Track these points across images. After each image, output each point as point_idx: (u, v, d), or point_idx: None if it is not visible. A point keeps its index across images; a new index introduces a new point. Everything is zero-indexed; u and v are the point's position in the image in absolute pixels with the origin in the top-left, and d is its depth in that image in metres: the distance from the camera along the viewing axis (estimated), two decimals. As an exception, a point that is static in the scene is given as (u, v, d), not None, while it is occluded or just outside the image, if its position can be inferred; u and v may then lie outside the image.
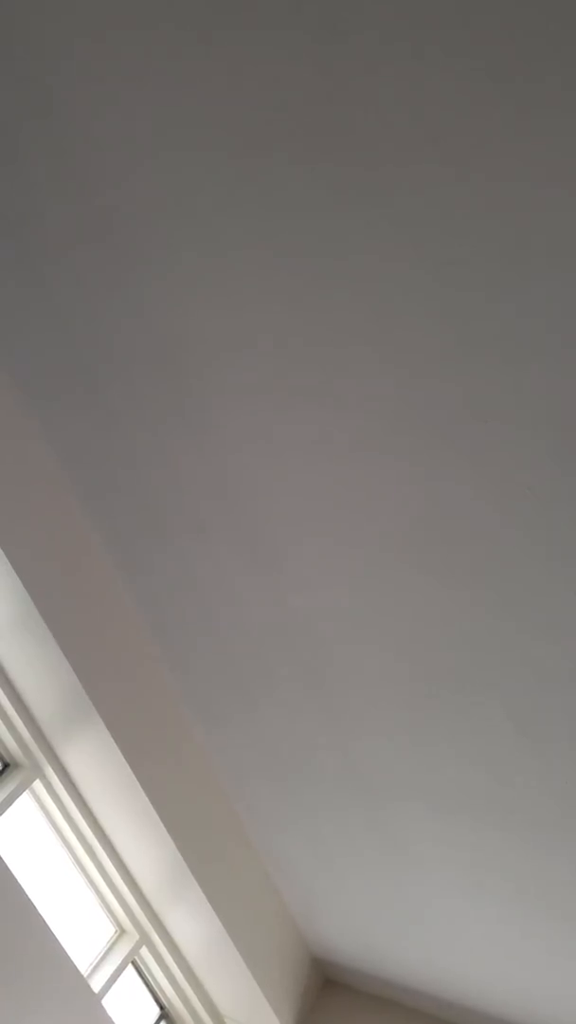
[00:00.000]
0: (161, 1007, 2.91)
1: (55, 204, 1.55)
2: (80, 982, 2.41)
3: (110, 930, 2.79)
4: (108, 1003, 2.56)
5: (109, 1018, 2.48)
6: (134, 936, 2.78)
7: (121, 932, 2.80)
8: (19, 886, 2.25)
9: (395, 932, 2.58)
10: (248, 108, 1.23)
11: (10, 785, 2.46)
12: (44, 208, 1.58)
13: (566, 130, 1.00)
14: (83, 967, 2.61)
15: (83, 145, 1.44)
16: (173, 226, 1.44)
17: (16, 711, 2.43)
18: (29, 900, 2.27)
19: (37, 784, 2.55)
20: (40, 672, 2.27)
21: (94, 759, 2.39)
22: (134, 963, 2.84)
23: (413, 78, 1.07)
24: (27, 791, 2.53)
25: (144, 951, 2.80)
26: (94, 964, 2.68)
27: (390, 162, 1.15)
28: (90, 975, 2.64)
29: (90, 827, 2.61)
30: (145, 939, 2.79)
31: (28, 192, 1.57)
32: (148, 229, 1.48)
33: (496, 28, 0.98)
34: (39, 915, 2.29)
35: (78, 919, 2.69)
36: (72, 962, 2.38)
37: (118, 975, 2.66)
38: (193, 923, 2.68)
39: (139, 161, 1.40)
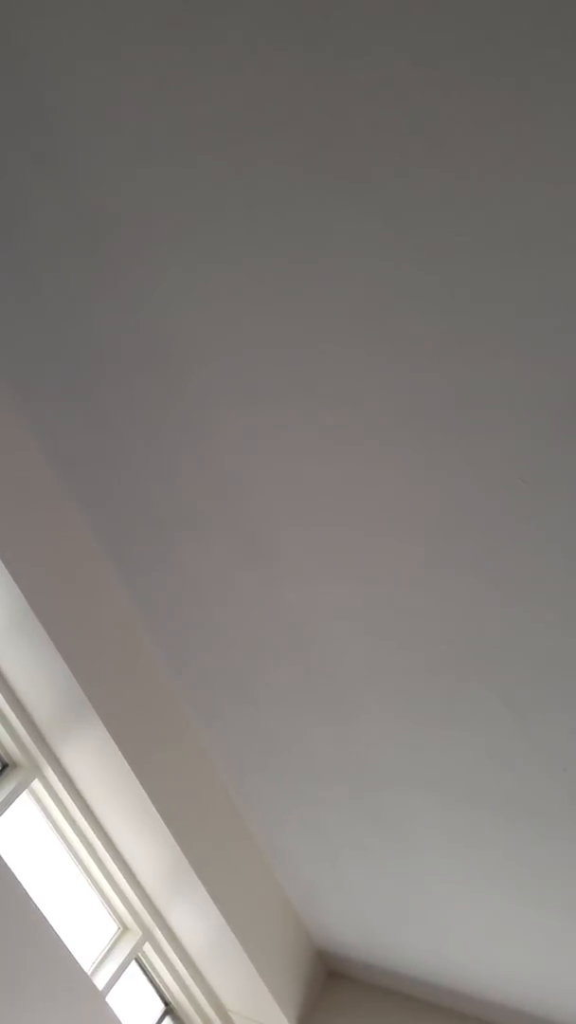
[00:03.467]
0: (166, 1003, 2.93)
1: (47, 211, 1.55)
2: (84, 980, 2.42)
3: (113, 927, 2.80)
4: (112, 1000, 2.57)
5: (114, 1015, 2.49)
6: (137, 933, 2.79)
7: (124, 929, 2.81)
8: (21, 886, 2.26)
9: (398, 923, 2.59)
10: (236, 108, 1.23)
11: (9, 785, 2.46)
12: (36, 215, 1.57)
13: (556, 123, 1.00)
14: (87, 965, 2.62)
15: (75, 151, 1.43)
16: (165, 229, 1.44)
17: (14, 711, 2.43)
18: (31, 900, 2.27)
19: (36, 784, 2.55)
20: (37, 672, 2.27)
21: (93, 757, 2.39)
22: (137, 960, 2.85)
23: (401, 70, 1.07)
24: (26, 791, 2.53)
25: (147, 947, 2.81)
26: (97, 962, 2.69)
27: (378, 156, 1.15)
28: (94, 973, 2.64)
29: (90, 825, 2.61)
30: (148, 936, 2.80)
31: (20, 199, 1.56)
32: (140, 232, 1.47)
33: (488, 21, 0.98)
34: (41, 914, 2.29)
35: (80, 917, 2.70)
36: (76, 960, 2.38)
37: (122, 972, 2.67)
38: (195, 919, 2.68)
39: (131, 165, 1.40)
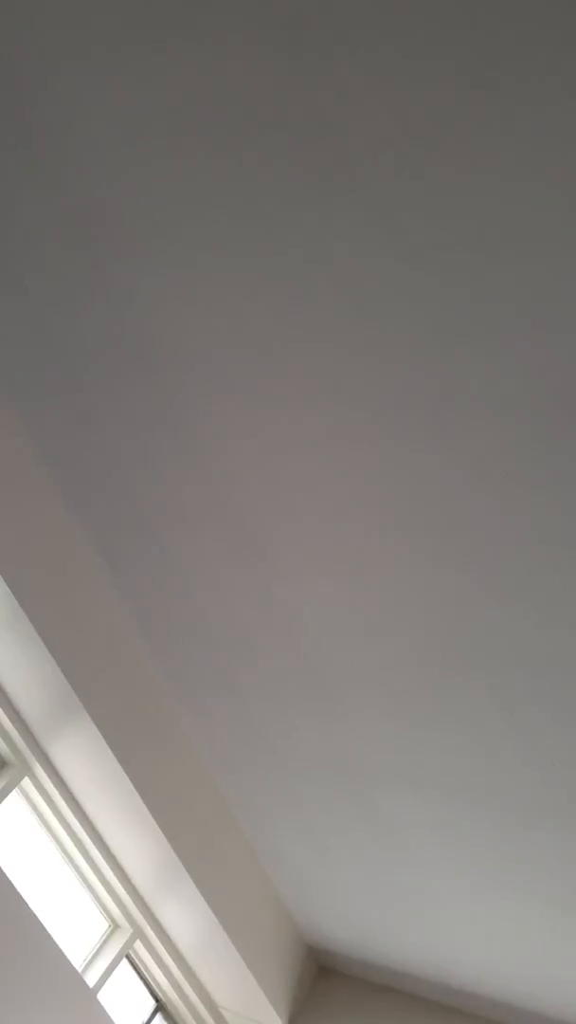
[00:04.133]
0: (157, 1000, 2.93)
1: (34, 204, 1.54)
2: (75, 977, 2.42)
3: (103, 925, 2.80)
4: (104, 997, 2.57)
5: (105, 1012, 2.49)
6: (127, 930, 2.79)
7: (114, 927, 2.81)
8: (11, 884, 2.25)
9: (389, 918, 2.59)
10: (228, 103, 1.22)
11: (-1, 783, 2.46)
12: (22, 209, 1.56)
13: (552, 119, 1.00)
14: (78, 962, 2.62)
15: (62, 146, 1.43)
16: (154, 225, 1.44)
17: (3, 710, 2.43)
18: (21, 898, 2.27)
19: (26, 782, 2.54)
20: (26, 670, 2.27)
21: (83, 755, 2.39)
22: (128, 957, 2.85)
23: (394, 65, 1.07)
24: (16, 789, 2.52)
25: (138, 945, 2.81)
26: (88, 959, 2.69)
27: (371, 153, 1.15)
28: (85, 970, 2.64)
29: (80, 823, 2.61)
30: (139, 933, 2.80)
31: (6, 194, 1.55)
32: (129, 228, 1.47)
33: (470, 18, 0.98)
34: (32, 912, 2.29)
35: (71, 915, 2.70)
36: (66, 958, 2.38)
37: (113, 969, 2.67)
38: (186, 915, 2.69)
39: (118, 161, 1.39)
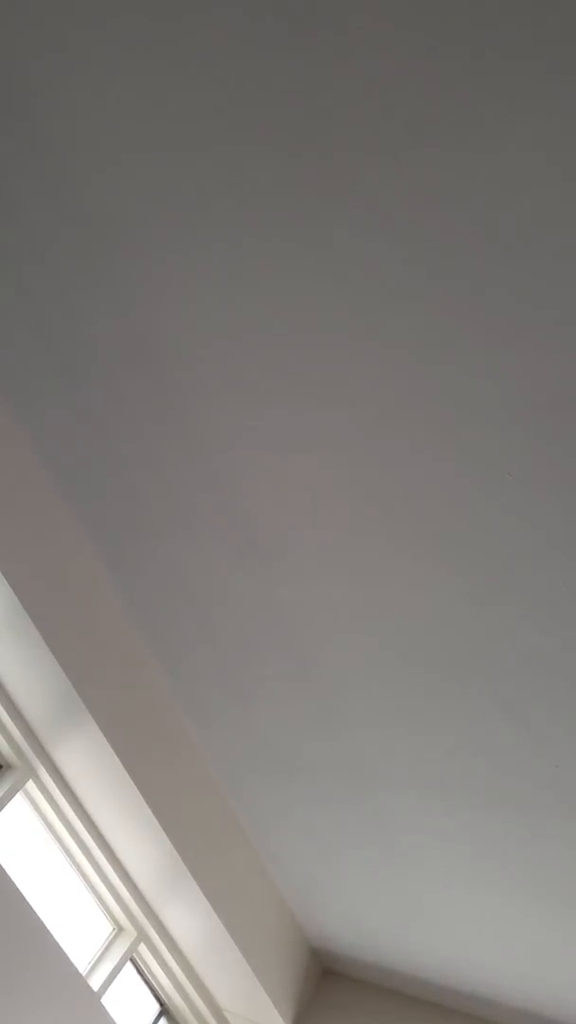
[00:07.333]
0: (161, 1003, 2.92)
1: (35, 205, 1.55)
2: (79, 981, 2.41)
3: (107, 928, 2.80)
4: (107, 1001, 2.56)
5: (109, 1016, 2.49)
6: (132, 933, 2.78)
7: (119, 930, 2.81)
8: (15, 887, 2.25)
9: (393, 921, 2.59)
10: (224, 102, 1.23)
11: (3, 786, 2.46)
12: (24, 209, 1.57)
13: (551, 118, 1.01)
14: (82, 966, 2.61)
15: (63, 142, 1.43)
16: (153, 222, 1.44)
17: (7, 712, 2.43)
18: (25, 901, 2.26)
19: (30, 785, 2.54)
20: (30, 673, 2.27)
21: (87, 758, 2.39)
22: (132, 960, 2.85)
23: (393, 63, 1.07)
24: (20, 792, 2.52)
25: (142, 948, 2.81)
26: (92, 963, 2.69)
27: (371, 152, 1.15)
28: (89, 974, 2.64)
29: (85, 826, 2.61)
30: (143, 936, 2.80)
31: (7, 193, 1.56)
32: (131, 228, 1.48)
33: (472, 17, 0.99)
34: (36, 915, 2.29)
35: (75, 918, 2.69)
36: (71, 961, 2.38)
37: (117, 973, 2.66)
38: (190, 918, 2.68)
39: (118, 157, 1.40)
